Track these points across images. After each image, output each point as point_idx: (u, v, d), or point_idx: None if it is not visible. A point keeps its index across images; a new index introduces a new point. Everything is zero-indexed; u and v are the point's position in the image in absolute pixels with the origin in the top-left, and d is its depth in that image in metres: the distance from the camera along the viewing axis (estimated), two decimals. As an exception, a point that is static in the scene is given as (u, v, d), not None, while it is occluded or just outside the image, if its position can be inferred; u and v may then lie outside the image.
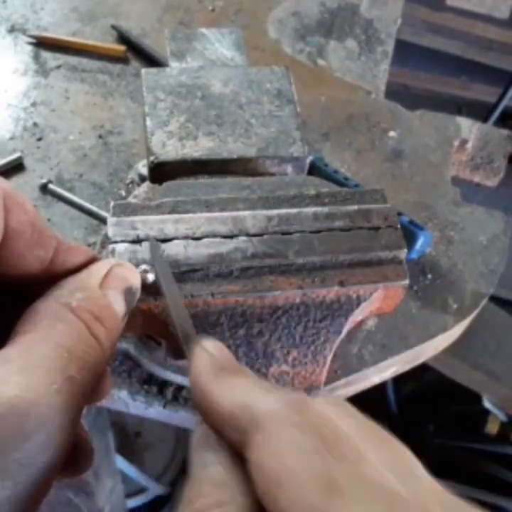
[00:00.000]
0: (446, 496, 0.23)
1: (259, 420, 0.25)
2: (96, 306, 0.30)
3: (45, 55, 0.83)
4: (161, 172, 0.52)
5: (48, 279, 0.31)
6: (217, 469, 0.26)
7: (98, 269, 0.32)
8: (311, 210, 0.45)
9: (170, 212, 0.44)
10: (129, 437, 1.29)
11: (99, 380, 0.32)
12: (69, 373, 0.28)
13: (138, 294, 0.34)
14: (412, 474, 0.24)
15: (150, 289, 0.38)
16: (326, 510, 0.21)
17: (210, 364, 0.29)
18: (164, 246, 0.41)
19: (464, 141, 0.80)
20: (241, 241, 0.42)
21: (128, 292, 0.33)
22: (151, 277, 0.38)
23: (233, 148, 0.53)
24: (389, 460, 0.23)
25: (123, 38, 0.85)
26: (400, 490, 0.22)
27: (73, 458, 0.31)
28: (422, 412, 1.35)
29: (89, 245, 0.62)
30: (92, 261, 0.33)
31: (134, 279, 0.34)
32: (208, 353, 0.30)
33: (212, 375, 0.28)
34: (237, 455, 0.26)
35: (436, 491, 0.23)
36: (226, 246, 0.42)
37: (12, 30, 0.86)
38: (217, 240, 0.42)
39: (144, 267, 0.38)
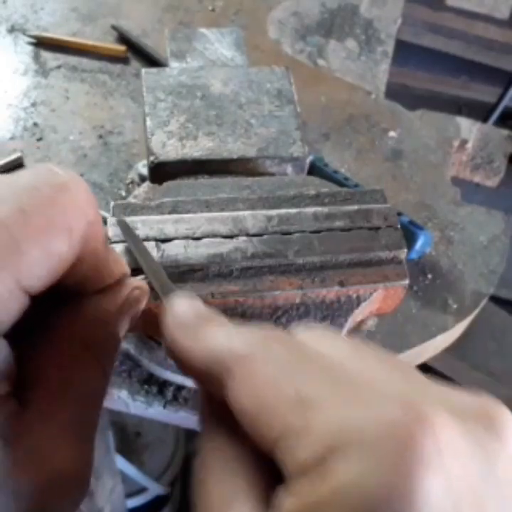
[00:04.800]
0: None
1: (228, 365, 0.24)
2: (111, 347, 0.29)
3: (45, 55, 0.83)
4: (161, 172, 0.52)
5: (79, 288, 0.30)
6: (217, 458, 0.25)
7: (121, 295, 0.31)
8: (311, 210, 0.45)
9: (170, 212, 0.44)
10: (129, 437, 1.29)
11: None
12: (92, 434, 0.27)
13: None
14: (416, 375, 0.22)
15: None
16: (306, 424, 0.20)
17: (182, 317, 0.28)
18: (164, 246, 0.41)
19: (464, 141, 0.80)
20: (241, 241, 0.42)
21: (135, 315, 0.33)
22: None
23: (233, 148, 0.53)
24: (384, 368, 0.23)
25: (123, 38, 0.85)
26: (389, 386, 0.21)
27: None
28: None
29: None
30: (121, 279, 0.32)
31: (145, 301, 0.33)
32: (180, 305, 0.29)
33: (184, 329, 0.28)
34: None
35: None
36: (226, 246, 0.42)
37: (12, 30, 0.86)
38: (217, 240, 0.42)
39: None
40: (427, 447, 0.18)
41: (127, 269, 0.32)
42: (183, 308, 0.29)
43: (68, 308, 0.29)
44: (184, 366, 0.27)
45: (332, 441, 0.19)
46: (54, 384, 0.26)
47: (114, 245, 0.41)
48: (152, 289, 0.37)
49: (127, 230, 0.41)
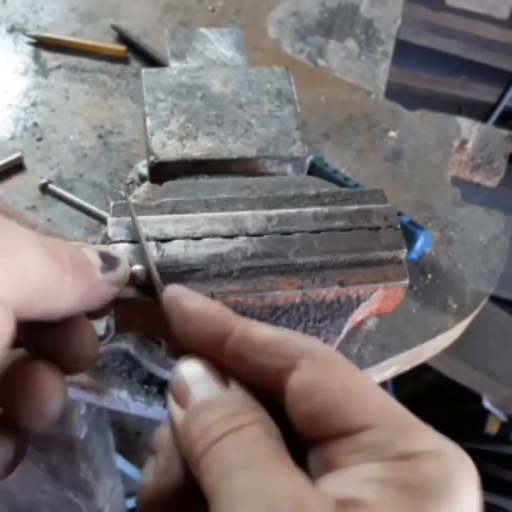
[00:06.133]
0: None
1: (305, 349, 0.26)
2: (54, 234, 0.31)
3: (45, 55, 0.83)
4: (161, 172, 0.52)
5: None
6: (241, 393, 0.26)
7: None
8: (311, 210, 0.45)
9: (170, 212, 0.44)
10: (129, 437, 1.29)
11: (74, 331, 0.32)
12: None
13: (122, 265, 0.35)
14: None
15: (148, 289, 0.38)
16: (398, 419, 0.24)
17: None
18: (164, 246, 0.41)
19: (464, 141, 0.80)
20: (241, 241, 0.42)
21: (105, 255, 0.33)
22: (139, 269, 0.38)
23: (233, 148, 0.53)
24: None
25: (123, 38, 0.85)
26: None
27: None
28: (422, 412, 1.35)
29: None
30: None
31: (111, 250, 0.35)
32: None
33: (224, 309, 0.29)
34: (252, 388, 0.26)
35: None
36: (226, 246, 0.42)
37: (12, 30, 0.86)
38: (217, 240, 0.42)
39: (137, 267, 0.38)
40: None
41: None
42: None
43: None
44: (234, 341, 0.28)
45: None
46: None
47: (114, 245, 0.41)
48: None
49: (138, 222, 0.41)
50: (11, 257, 0.27)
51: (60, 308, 0.30)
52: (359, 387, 0.25)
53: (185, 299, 0.30)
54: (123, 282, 0.35)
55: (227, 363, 0.28)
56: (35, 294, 0.28)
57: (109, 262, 0.34)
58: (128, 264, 0.36)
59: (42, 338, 0.32)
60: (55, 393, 0.30)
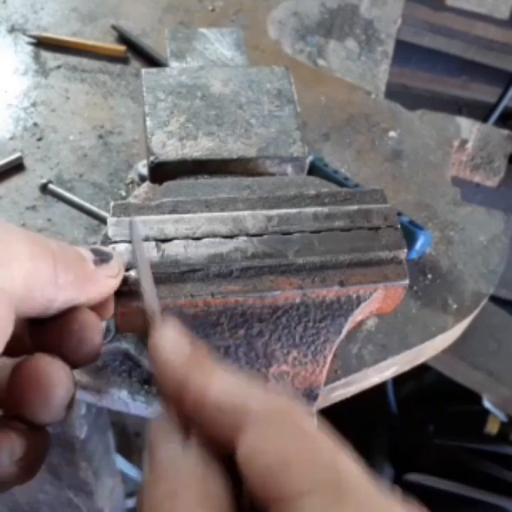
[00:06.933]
0: None
1: (253, 415, 0.25)
2: None
3: (45, 55, 0.83)
4: (161, 172, 0.52)
5: None
6: (194, 462, 0.25)
7: None
8: (311, 210, 0.45)
9: (170, 212, 0.44)
10: (129, 437, 1.29)
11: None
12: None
13: (115, 259, 0.35)
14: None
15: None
16: (338, 479, 0.23)
17: (184, 350, 0.28)
18: (164, 246, 0.41)
19: (464, 141, 0.80)
20: (241, 241, 0.42)
21: (95, 250, 0.34)
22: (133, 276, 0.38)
23: (233, 148, 0.53)
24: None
25: (123, 38, 0.85)
26: None
27: None
28: (422, 412, 1.35)
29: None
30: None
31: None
32: (178, 337, 0.29)
33: (189, 362, 0.28)
34: (210, 449, 0.26)
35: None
36: (226, 246, 0.42)
37: (12, 30, 0.86)
38: (217, 240, 0.42)
39: (132, 272, 0.38)
40: None
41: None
42: (180, 341, 0.29)
43: None
44: (185, 403, 0.27)
45: None
46: None
47: (114, 245, 0.41)
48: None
49: (134, 233, 0.41)
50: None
51: (58, 300, 0.31)
52: (308, 446, 0.24)
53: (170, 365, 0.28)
54: (119, 276, 0.35)
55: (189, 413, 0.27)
56: (30, 285, 0.29)
57: (100, 255, 0.34)
58: (121, 258, 0.37)
59: (45, 335, 0.32)
60: (59, 381, 0.30)
